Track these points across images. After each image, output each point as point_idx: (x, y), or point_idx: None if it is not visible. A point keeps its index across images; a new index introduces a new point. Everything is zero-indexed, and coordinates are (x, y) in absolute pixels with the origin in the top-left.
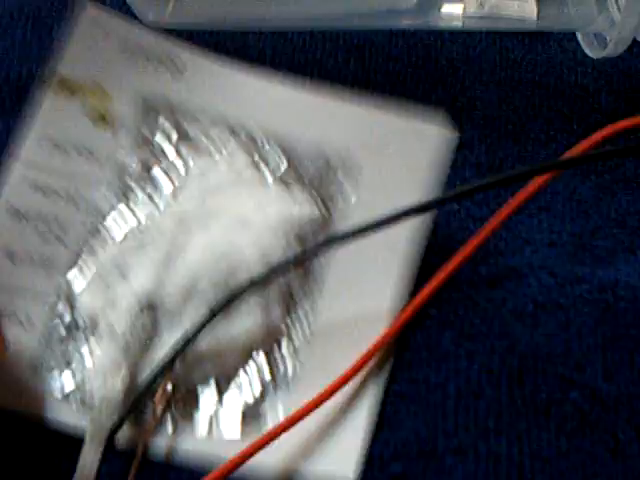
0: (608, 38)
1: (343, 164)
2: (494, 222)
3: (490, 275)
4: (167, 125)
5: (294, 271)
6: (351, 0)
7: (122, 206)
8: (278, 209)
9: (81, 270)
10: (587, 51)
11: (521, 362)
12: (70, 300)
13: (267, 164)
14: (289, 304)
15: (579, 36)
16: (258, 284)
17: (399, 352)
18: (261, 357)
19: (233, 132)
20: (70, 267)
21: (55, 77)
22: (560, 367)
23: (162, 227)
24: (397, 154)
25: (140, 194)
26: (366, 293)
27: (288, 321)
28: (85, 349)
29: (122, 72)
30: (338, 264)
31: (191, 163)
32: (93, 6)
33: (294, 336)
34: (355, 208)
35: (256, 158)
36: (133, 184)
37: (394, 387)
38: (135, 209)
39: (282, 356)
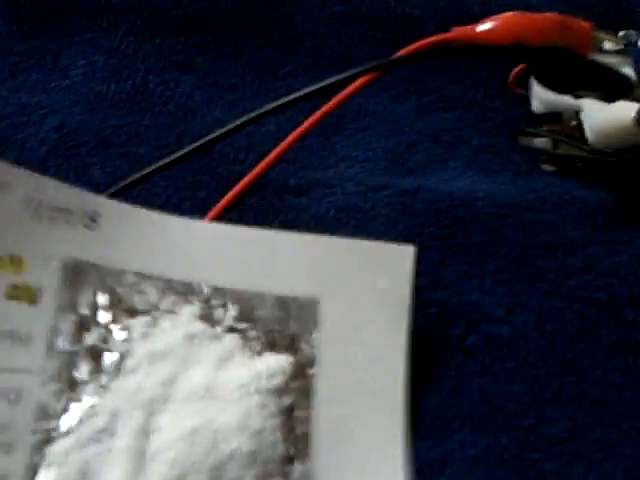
0: None
1: (298, 300)
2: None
3: (298, 187)
4: (94, 287)
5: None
6: None
7: (66, 390)
8: (239, 363)
9: None
10: None
11: None
12: None
13: (213, 313)
14: None
15: None
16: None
17: None
18: None
19: (167, 282)
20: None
21: None
22: None
23: (119, 412)
24: (356, 280)
25: (81, 373)
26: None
27: None
28: None
29: (30, 234)
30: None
31: (129, 325)
32: None
33: None
34: (321, 343)
35: (200, 309)
36: (68, 366)
37: None
38: (80, 391)
39: None
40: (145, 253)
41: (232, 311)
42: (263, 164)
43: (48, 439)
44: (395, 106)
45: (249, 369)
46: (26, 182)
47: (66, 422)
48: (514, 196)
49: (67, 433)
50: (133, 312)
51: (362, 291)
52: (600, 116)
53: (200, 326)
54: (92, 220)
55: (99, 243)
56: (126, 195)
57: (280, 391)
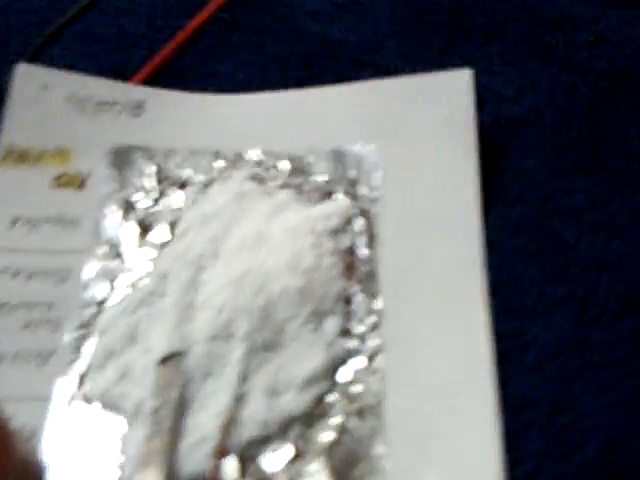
0: None
1: (355, 148)
2: None
3: None
4: (141, 167)
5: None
6: None
7: (115, 263)
8: (293, 212)
9: (81, 353)
10: None
11: (310, 48)
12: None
13: (264, 173)
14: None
15: None
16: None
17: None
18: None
19: (217, 154)
20: (69, 353)
21: (1, 149)
22: (353, 51)
23: (168, 273)
24: (414, 117)
25: (130, 246)
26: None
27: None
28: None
29: (76, 126)
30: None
31: (179, 197)
32: (25, 64)
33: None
34: (385, 184)
35: (251, 171)
36: (119, 238)
37: None
38: (130, 263)
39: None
40: (192, 131)
41: (285, 168)
42: None
43: (98, 311)
44: None
45: (302, 215)
46: (68, 82)
47: (115, 293)
48: None
49: (116, 302)
50: (183, 184)
51: (423, 127)
52: None
53: (250, 185)
54: (137, 108)
55: (146, 128)
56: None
57: (337, 232)
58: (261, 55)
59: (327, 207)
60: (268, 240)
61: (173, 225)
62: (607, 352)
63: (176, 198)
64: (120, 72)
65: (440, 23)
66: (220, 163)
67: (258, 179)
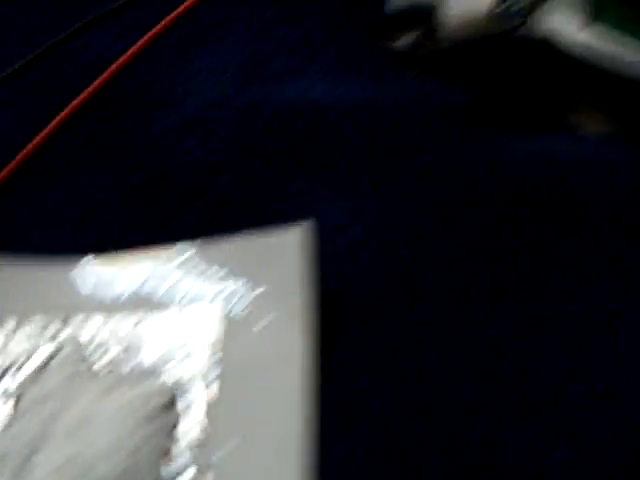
0: None
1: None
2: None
3: (139, 101)
4: None
5: None
6: None
7: None
8: (118, 393)
9: None
10: None
11: (146, 177)
12: None
13: (95, 355)
14: None
15: None
16: None
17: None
18: None
19: (44, 328)
20: None
21: None
22: (194, 174)
23: (6, 454)
24: (247, 280)
25: None
26: None
27: None
28: None
29: None
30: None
31: (23, 372)
32: None
33: None
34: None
35: (77, 352)
36: None
37: None
38: None
39: None
40: (14, 303)
41: (115, 348)
42: (104, 76)
43: None
44: (254, 15)
45: (126, 397)
46: None
47: None
48: (364, 101)
49: None
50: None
51: (257, 289)
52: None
53: (80, 366)
54: None
55: None
56: None
57: (160, 412)
58: (101, 176)
59: (149, 388)
60: (94, 424)
61: (18, 401)
62: None
63: (20, 374)
64: None
65: (277, 151)
66: (45, 340)
67: (86, 361)
